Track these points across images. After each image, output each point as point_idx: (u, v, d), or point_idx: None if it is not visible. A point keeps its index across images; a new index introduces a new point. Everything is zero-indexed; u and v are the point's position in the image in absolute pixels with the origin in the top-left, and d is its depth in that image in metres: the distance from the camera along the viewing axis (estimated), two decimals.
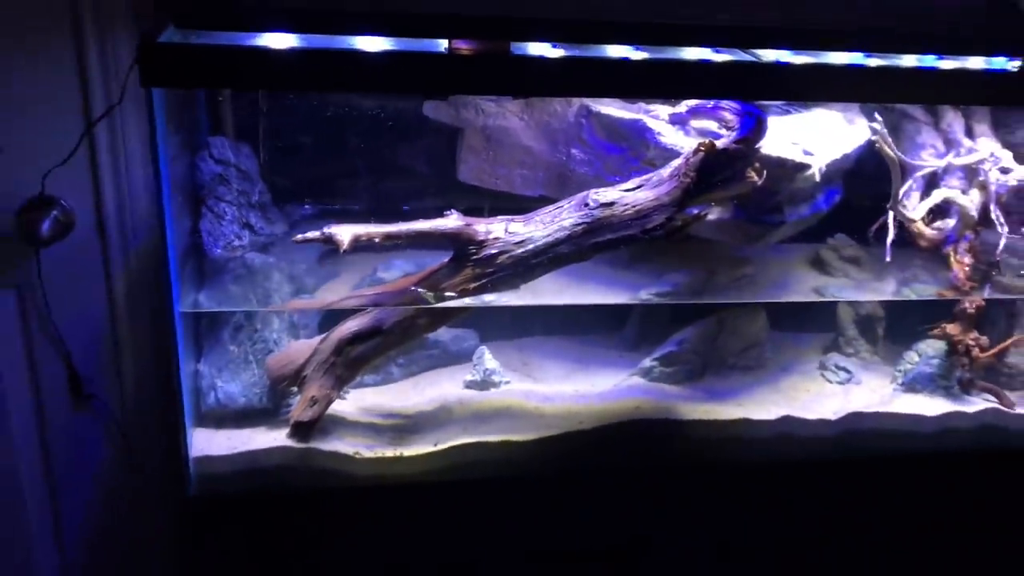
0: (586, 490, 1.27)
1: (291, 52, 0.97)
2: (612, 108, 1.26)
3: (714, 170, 1.15)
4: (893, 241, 1.38)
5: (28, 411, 1.52)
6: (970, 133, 1.42)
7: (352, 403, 1.30)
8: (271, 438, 1.21)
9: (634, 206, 1.16)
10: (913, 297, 1.39)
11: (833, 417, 1.34)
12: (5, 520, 1.50)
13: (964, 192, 1.38)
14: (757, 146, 1.17)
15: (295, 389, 1.23)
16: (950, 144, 1.41)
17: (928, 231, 1.40)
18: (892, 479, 1.36)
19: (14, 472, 1.50)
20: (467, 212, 1.17)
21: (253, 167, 1.30)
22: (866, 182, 1.39)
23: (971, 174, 1.39)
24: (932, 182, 1.41)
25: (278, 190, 1.33)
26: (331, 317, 1.31)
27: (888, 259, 1.31)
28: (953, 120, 1.42)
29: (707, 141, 1.13)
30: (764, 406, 1.34)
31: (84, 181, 1.37)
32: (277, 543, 1.20)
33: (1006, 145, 1.45)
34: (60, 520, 1.57)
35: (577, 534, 1.29)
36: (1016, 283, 1.39)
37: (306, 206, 1.35)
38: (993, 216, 1.36)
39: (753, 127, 1.14)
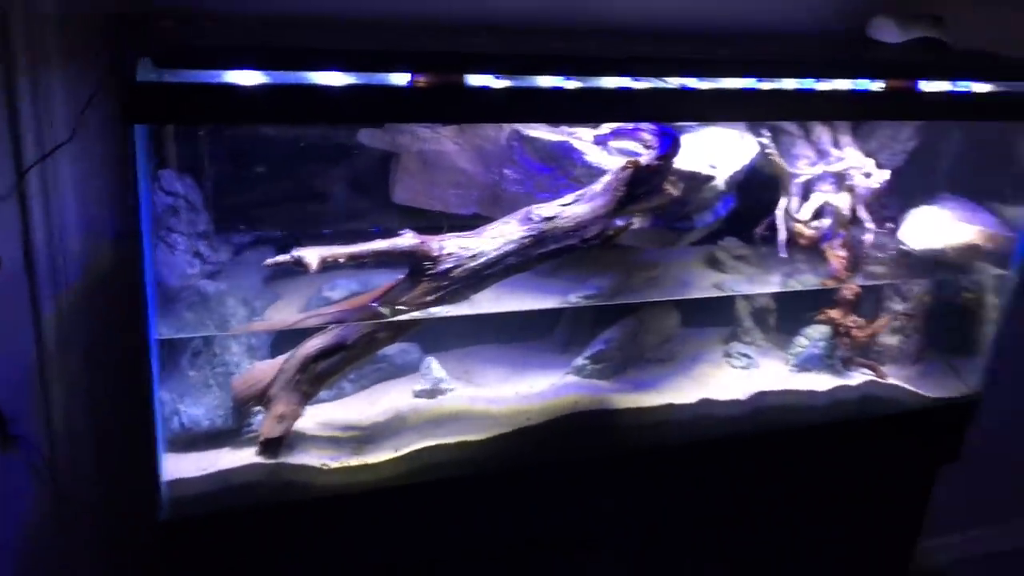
0: (539, 480, 1.38)
1: (275, 88, 1.04)
2: (541, 132, 1.39)
3: (639, 184, 1.30)
4: (773, 239, 1.59)
5: None
6: (836, 144, 1.64)
7: (310, 419, 1.35)
8: (240, 457, 1.25)
9: (573, 218, 1.29)
10: (799, 288, 1.59)
11: (743, 397, 1.51)
12: None
13: (836, 195, 1.60)
14: (673, 162, 1.32)
15: (257, 408, 1.28)
16: (821, 154, 1.62)
17: (807, 230, 1.61)
18: (795, 447, 1.54)
19: None
20: (393, 233, 1.26)
21: (198, 198, 1.34)
22: (750, 190, 1.57)
23: (840, 180, 1.60)
24: (808, 188, 1.62)
25: (221, 219, 1.37)
26: (282, 338, 1.37)
27: (784, 255, 1.49)
28: (822, 133, 1.63)
29: (633, 159, 1.28)
30: (683, 392, 1.50)
31: (13, 221, 1.37)
32: (255, 557, 1.24)
33: (864, 153, 1.69)
34: None
35: (536, 522, 1.39)
36: (883, 271, 1.62)
37: (248, 234, 1.40)
38: (860, 215, 1.58)
39: (670, 145, 1.30)
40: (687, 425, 1.48)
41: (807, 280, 1.59)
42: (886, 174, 1.59)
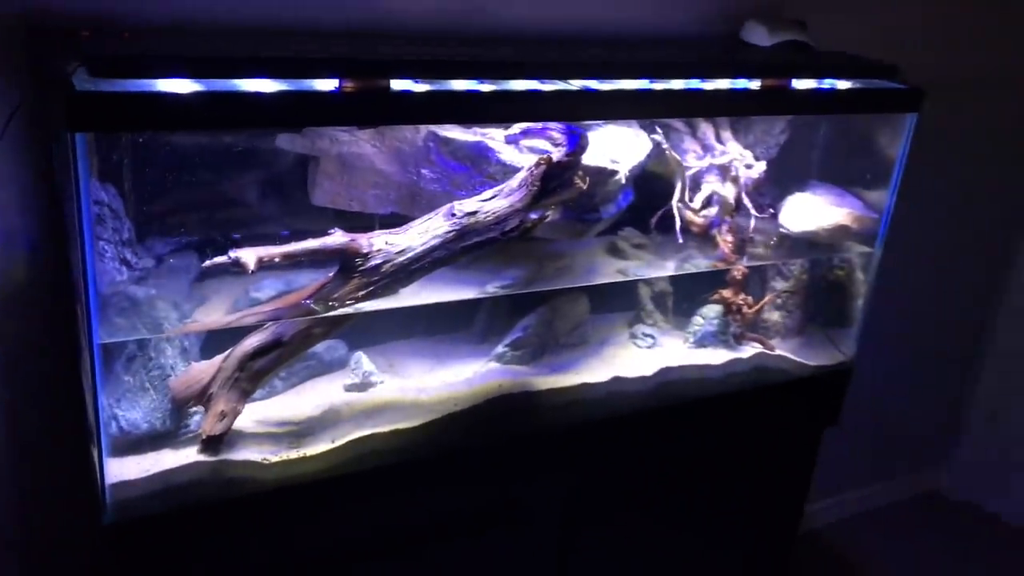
0: (470, 461, 1.46)
1: (214, 95, 1.09)
2: (456, 132, 1.48)
3: (551, 179, 1.41)
4: (668, 228, 1.73)
5: None
6: (719, 139, 1.80)
7: (246, 417, 1.39)
8: (181, 456, 1.28)
9: (493, 213, 1.38)
10: (693, 270, 1.73)
11: (649, 374, 1.64)
12: None
13: (722, 185, 1.75)
14: (581, 158, 1.44)
15: (195, 408, 1.31)
16: (706, 148, 1.77)
17: (698, 219, 1.75)
18: (697, 417, 1.68)
19: None
20: (322, 232, 1.32)
21: (120, 206, 1.36)
22: (644, 183, 1.70)
23: (724, 171, 1.75)
24: (697, 180, 1.77)
25: (144, 227, 1.39)
26: (212, 340, 1.40)
27: (680, 241, 1.63)
28: (706, 129, 1.78)
29: (546, 156, 1.38)
30: (595, 372, 1.62)
31: None
32: (201, 554, 1.27)
33: (743, 146, 1.85)
34: None
35: (470, 500, 1.48)
36: (765, 253, 1.78)
37: (171, 240, 1.42)
38: (743, 203, 1.73)
39: (578, 142, 1.41)
40: (601, 402, 1.59)
41: (700, 264, 1.73)
42: (763, 165, 1.75)
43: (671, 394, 1.66)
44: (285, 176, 1.50)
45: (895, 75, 1.69)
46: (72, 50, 1.14)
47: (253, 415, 1.41)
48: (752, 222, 1.74)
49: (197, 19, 1.40)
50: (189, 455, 1.28)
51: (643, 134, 1.66)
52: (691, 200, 1.67)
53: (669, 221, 1.72)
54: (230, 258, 1.20)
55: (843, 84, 1.66)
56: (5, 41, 1.25)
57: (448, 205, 1.38)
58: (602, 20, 1.75)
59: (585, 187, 1.44)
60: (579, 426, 1.57)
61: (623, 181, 1.54)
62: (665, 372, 1.66)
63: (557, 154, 1.40)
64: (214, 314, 1.39)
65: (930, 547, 2.82)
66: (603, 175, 1.51)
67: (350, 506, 1.37)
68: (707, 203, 1.75)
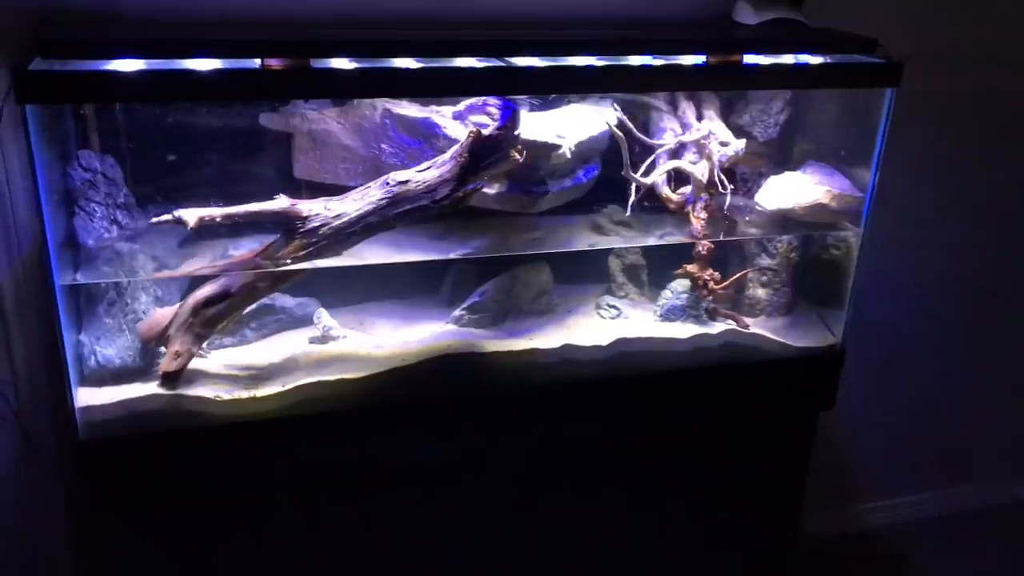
0: (411, 416, 1.58)
1: (138, 73, 1.27)
2: (409, 109, 1.60)
3: (485, 152, 1.50)
4: (651, 207, 1.77)
5: None
6: (700, 118, 1.81)
7: (213, 360, 1.58)
8: (145, 389, 1.48)
9: (424, 183, 1.49)
10: (654, 242, 1.76)
11: (604, 343, 1.70)
12: None
13: (695, 163, 1.77)
14: (517, 132, 1.52)
15: (163, 348, 1.51)
16: (685, 127, 1.79)
17: (675, 196, 1.78)
18: (657, 390, 1.72)
19: None
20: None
21: (118, 175, 1.58)
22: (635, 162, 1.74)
23: (701, 149, 1.77)
24: (676, 157, 1.80)
25: (141, 194, 1.60)
26: (191, 290, 1.59)
27: (629, 214, 1.67)
28: (686, 108, 1.81)
29: (475, 129, 1.48)
30: (549, 339, 1.69)
31: None
32: (155, 473, 1.47)
33: (735, 126, 1.85)
34: None
35: (407, 455, 1.60)
36: (744, 230, 1.78)
37: (166, 206, 1.62)
38: (716, 180, 1.74)
39: (510, 117, 1.49)
40: (552, 368, 1.66)
41: (672, 239, 1.76)
42: (742, 143, 1.75)
43: (628, 364, 1.71)
44: (275, 152, 1.67)
45: (874, 49, 1.65)
46: (45, 39, 1.35)
47: (222, 359, 1.59)
48: (727, 199, 1.75)
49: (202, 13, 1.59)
50: (151, 388, 1.48)
51: (608, 111, 1.71)
52: (646, 175, 1.70)
53: (653, 199, 1.77)
54: (173, 216, 1.38)
55: (814, 59, 1.64)
56: (14, 30, 1.47)
57: (386, 175, 1.50)
58: (593, 4, 1.80)
59: (521, 160, 1.52)
60: (530, 390, 1.65)
61: (568, 155, 1.60)
62: (623, 343, 1.70)
63: (488, 129, 1.49)
64: (198, 266, 1.59)
65: (997, 559, 2.65)
66: (545, 149, 1.58)
67: (291, 446, 1.53)
68: (681, 181, 1.78)
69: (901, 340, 2.44)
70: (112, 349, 1.50)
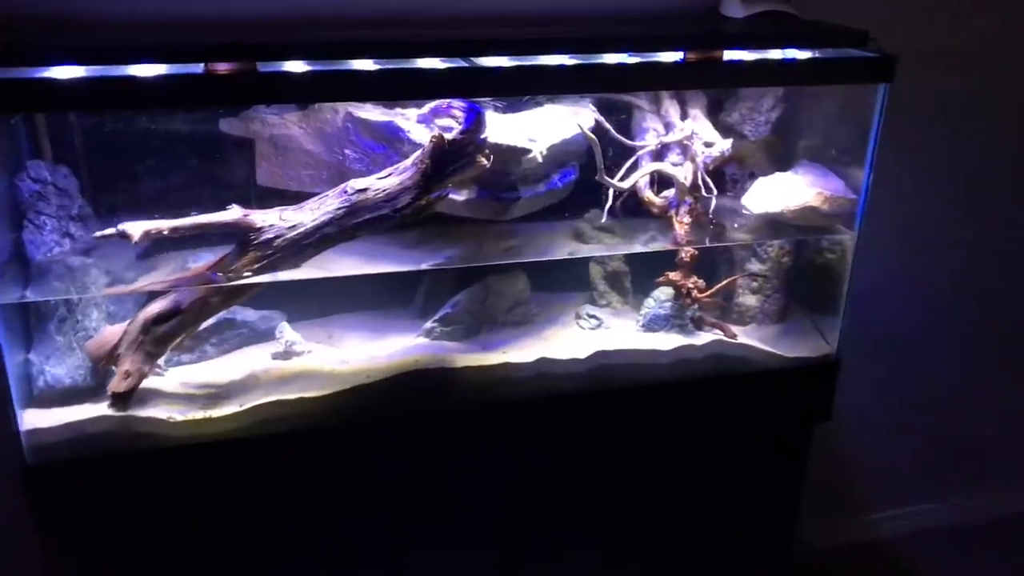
0: (376, 435, 1.51)
1: (75, 80, 1.20)
2: (371, 113, 1.52)
3: (449, 158, 1.42)
4: (634, 212, 1.69)
5: None
6: (684, 117, 1.72)
7: (170, 379, 1.51)
8: (95, 410, 1.42)
9: (384, 190, 1.41)
10: (635, 250, 1.67)
11: (582, 356, 1.61)
12: None
13: (679, 164, 1.68)
14: (483, 136, 1.44)
15: (114, 368, 1.44)
16: (668, 127, 1.71)
17: (657, 200, 1.70)
18: (639, 403, 1.63)
19: None
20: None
21: (73, 185, 1.51)
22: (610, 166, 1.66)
23: (685, 150, 1.68)
24: (659, 158, 1.71)
25: (97, 205, 1.53)
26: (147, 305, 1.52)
27: (605, 220, 1.58)
28: (669, 107, 1.72)
29: (437, 133, 1.40)
30: (524, 352, 1.61)
31: None
32: (106, 495, 1.41)
33: (723, 124, 1.76)
34: None
35: (372, 472, 1.52)
36: (731, 235, 1.69)
37: (124, 218, 1.55)
38: (700, 183, 1.65)
39: (474, 120, 1.41)
40: (525, 382, 1.58)
41: (656, 247, 1.68)
42: (727, 143, 1.66)
43: (608, 377, 1.62)
44: (237, 159, 1.60)
45: (865, 43, 1.55)
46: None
47: (178, 378, 1.53)
48: (712, 203, 1.66)
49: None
50: (101, 410, 1.41)
51: (583, 113, 1.63)
52: (626, 178, 1.62)
53: (633, 204, 1.68)
54: (117, 230, 1.31)
55: (805, 54, 1.55)
56: None
57: (344, 183, 1.43)
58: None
59: (488, 165, 1.44)
60: (503, 406, 1.58)
61: (539, 160, 1.52)
62: (601, 355, 1.62)
63: (452, 133, 1.41)
64: (141, 284, 1.52)
65: (1011, 571, 2.54)
66: (513, 153, 1.50)
67: (249, 466, 1.46)
68: (664, 184, 1.69)
69: (909, 344, 2.34)
70: (62, 368, 1.44)
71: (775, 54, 1.56)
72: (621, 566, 1.77)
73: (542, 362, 1.60)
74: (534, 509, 1.67)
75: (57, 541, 1.43)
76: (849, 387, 1.95)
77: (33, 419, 1.39)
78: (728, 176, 1.81)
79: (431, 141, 1.40)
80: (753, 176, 1.79)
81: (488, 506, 1.63)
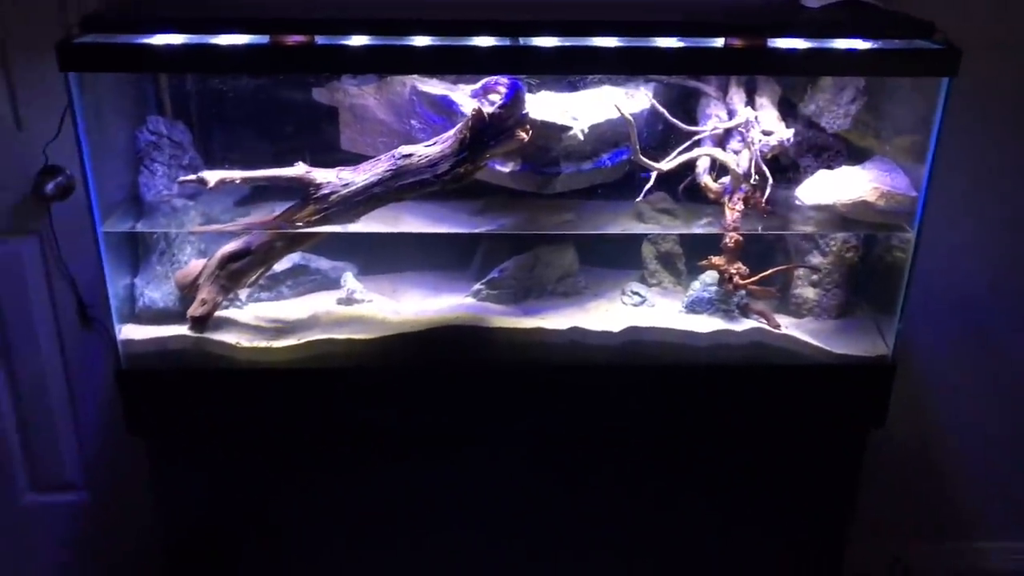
0: (411, 380, 1.66)
1: (163, 46, 1.42)
2: (434, 87, 1.66)
3: (491, 131, 1.53)
4: (697, 197, 1.72)
5: (50, 331, 2.06)
6: (752, 105, 1.73)
7: (247, 312, 1.74)
8: (177, 330, 1.66)
9: (428, 157, 1.55)
10: (679, 231, 1.71)
11: (615, 329, 1.68)
12: (36, 415, 2.05)
13: (739, 152, 1.69)
14: (524, 111, 1.54)
15: (195, 295, 1.68)
16: (731, 114, 1.72)
17: (714, 185, 1.72)
18: (667, 383, 1.67)
19: (41, 380, 2.05)
20: None
21: (186, 139, 1.77)
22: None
23: (744, 137, 1.69)
24: (721, 143, 1.73)
25: (207, 158, 1.78)
26: None
27: (640, 199, 1.63)
28: (734, 94, 1.73)
29: (478, 107, 1.51)
30: (560, 320, 1.69)
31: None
32: (180, 404, 1.65)
33: (800, 115, 1.75)
34: (77, 414, 2.10)
35: (401, 417, 1.67)
36: (787, 225, 1.68)
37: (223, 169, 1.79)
38: (753, 170, 1.65)
39: (512, 96, 1.51)
40: (556, 348, 1.67)
41: (702, 230, 1.71)
42: (788, 133, 1.65)
43: (639, 353, 1.68)
44: (327, 124, 1.80)
45: (932, 34, 1.50)
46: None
47: (254, 311, 1.75)
48: (767, 191, 1.66)
49: None
50: (182, 330, 1.66)
51: (639, 94, 1.68)
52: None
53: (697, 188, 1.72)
54: (197, 176, 1.54)
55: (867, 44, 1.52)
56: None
57: (395, 149, 1.58)
58: None
59: (526, 138, 1.54)
60: (532, 368, 1.67)
61: (580, 137, 1.59)
62: (634, 331, 1.68)
63: (491, 107, 1.52)
64: (214, 226, 1.74)
65: None
66: (554, 130, 1.58)
67: (297, 396, 1.65)
68: (723, 171, 1.71)
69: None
70: (158, 293, 1.69)
71: (840, 43, 1.53)
72: (632, 548, 1.82)
73: (574, 331, 1.67)
74: (554, 475, 1.75)
75: (140, 433, 1.69)
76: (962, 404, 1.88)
77: (130, 332, 1.65)
78: (803, 167, 1.79)
79: (471, 114, 1.51)
80: (832, 168, 1.76)
81: (510, 466, 1.73)
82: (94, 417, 2.15)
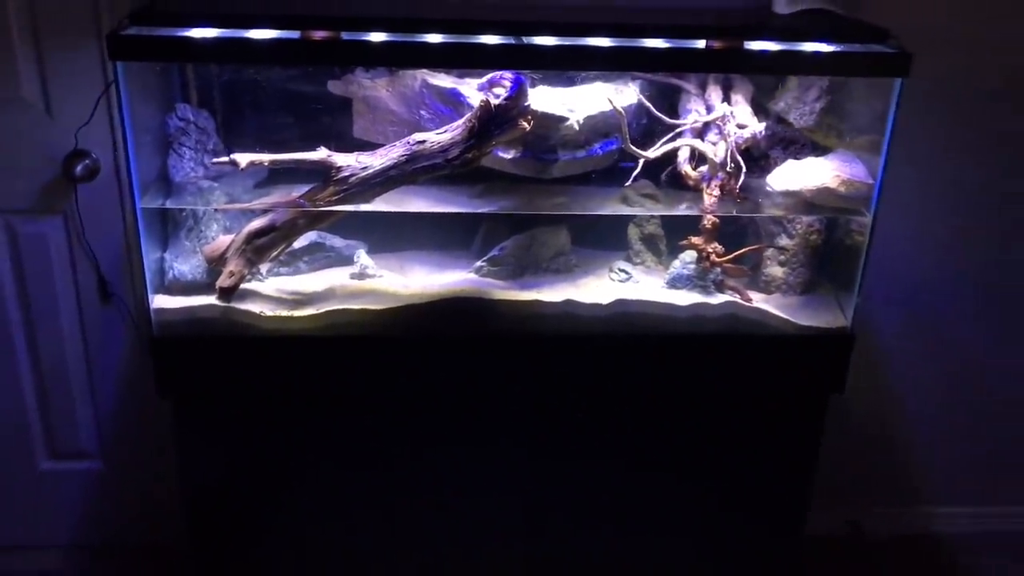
0: (419, 347, 1.82)
1: (203, 38, 1.58)
2: (443, 81, 1.83)
3: (496, 120, 1.71)
4: (678, 185, 1.91)
5: (72, 306, 2.20)
6: (728, 101, 1.92)
7: (268, 285, 1.89)
8: (206, 300, 1.81)
9: (439, 143, 1.72)
10: (661, 213, 1.90)
11: (604, 302, 1.86)
12: (55, 387, 2.18)
13: (715, 144, 1.88)
14: (526, 103, 1.71)
15: (222, 268, 1.83)
16: (709, 109, 1.91)
17: (693, 173, 1.91)
18: (651, 349, 1.86)
19: (61, 353, 2.18)
20: None
21: (211, 126, 1.92)
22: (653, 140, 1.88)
23: (720, 130, 1.88)
24: (700, 135, 1.92)
25: (230, 143, 1.93)
26: None
27: (629, 184, 1.81)
28: (712, 91, 1.93)
29: (485, 99, 1.69)
30: (555, 293, 1.87)
31: (107, 140, 2.03)
32: (209, 367, 1.81)
33: (771, 111, 1.95)
34: (94, 386, 2.24)
35: (413, 380, 1.84)
36: (747, 208, 1.88)
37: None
38: (729, 160, 1.85)
39: (516, 89, 1.69)
40: (551, 319, 1.85)
41: (682, 213, 1.90)
42: (760, 127, 1.85)
43: (626, 323, 1.86)
44: (340, 113, 1.96)
45: (886, 39, 1.70)
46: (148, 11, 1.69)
47: (274, 285, 1.90)
48: (741, 179, 1.86)
49: None
50: (210, 300, 1.81)
51: (628, 89, 1.87)
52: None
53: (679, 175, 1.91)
54: (229, 158, 1.69)
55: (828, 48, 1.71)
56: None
57: (409, 136, 1.75)
58: None
59: (528, 128, 1.72)
60: (531, 337, 1.85)
61: (576, 128, 1.78)
62: (621, 303, 1.86)
63: (497, 99, 1.70)
64: (240, 204, 1.89)
65: None
66: (552, 120, 1.76)
67: (317, 360, 1.81)
68: (701, 160, 1.90)
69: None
70: (186, 266, 1.84)
71: (807, 47, 1.73)
72: (603, 504, 2.00)
73: (568, 303, 1.85)
74: (550, 440, 1.93)
75: (171, 396, 1.83)
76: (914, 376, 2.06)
77: (161, 302, 1.80)
78: (773, 158, 1.99)
79: (479, 105, 1.68)
80: (798, 158, 1.96)
81: (508, 423, 1.91)
82: (111, 389, 2.29)
